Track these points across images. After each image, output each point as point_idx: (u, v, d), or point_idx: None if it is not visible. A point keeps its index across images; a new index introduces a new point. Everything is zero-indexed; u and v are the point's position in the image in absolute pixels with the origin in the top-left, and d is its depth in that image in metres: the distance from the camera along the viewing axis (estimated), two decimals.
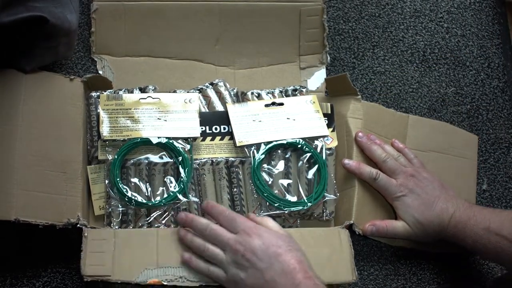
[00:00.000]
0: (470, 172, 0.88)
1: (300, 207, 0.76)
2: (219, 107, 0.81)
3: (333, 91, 0.86)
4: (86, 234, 0.69)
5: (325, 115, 0.82)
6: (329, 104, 0.82)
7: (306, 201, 0.76)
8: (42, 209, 0.70)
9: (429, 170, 0.80)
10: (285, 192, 0.77)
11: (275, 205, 0.76)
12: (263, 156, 0.77)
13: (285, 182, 0.78)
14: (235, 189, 0.77)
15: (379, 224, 0.76)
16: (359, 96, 0.82)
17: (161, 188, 0.76)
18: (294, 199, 0.77)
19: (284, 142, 0.78)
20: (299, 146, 0.78)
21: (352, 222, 0.76)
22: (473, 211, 0.75)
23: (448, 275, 0.84)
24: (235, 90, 0.83)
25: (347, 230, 0.75)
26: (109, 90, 0.80)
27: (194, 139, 0.77)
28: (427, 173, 0.79)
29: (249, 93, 0.82)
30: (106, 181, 0.74)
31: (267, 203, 0.76)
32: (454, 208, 0.75)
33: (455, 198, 0.77)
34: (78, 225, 0.70)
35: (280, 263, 0.63)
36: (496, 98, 0.94)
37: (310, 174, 0.78)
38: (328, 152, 0.80)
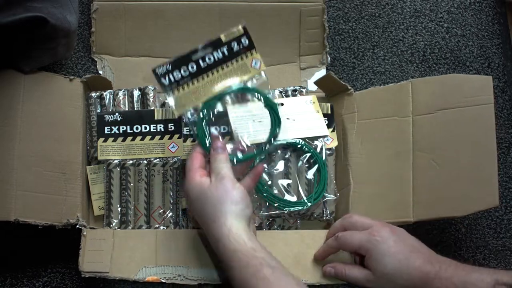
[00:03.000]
0: (487, 119, 0.75)
1: (300, 207, 0.76)
2: (219, 108, 0.80)
3: (328, 91, 0.86)
4: (85, 233, 0.69)
5: (325, 115, 0.82)
6: (329, 104, 0.82)
7: (306, 201, 0.76)
8: (41, 209, 0.70)
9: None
10: (285, 192, 0.77)
11: (275, 205, 0.76)
12: (263, 156, 0.76)
13: (284, 182, 0.78)
14: None
15: (338, 268, 0.69)
16: (351, 90, 0.82)
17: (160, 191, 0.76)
18: (293, 199, 0.77)
19: (284, 142, 0.78)
20: (299, 146, 0.78)
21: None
22: (469, 267, 0.65)
23: None
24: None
25: None
26: (109, 90, 0.80)
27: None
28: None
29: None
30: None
31: (267, 203, 0.76)
32: (441, 261, 0.65)
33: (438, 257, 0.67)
34: (78, 226, 0.70)
35: None
36: (496, 98, 0.93)
37: (310, 174, 0.78)
38: (328, 152, 0.80)
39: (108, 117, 0.77)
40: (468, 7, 0.97)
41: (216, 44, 0.72)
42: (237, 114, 0.74)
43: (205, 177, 0.64)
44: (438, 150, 0.75)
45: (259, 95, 0.74)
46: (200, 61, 0.71)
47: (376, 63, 0.93)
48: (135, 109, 0.79)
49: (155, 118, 0.77)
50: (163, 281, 0.67)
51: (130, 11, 0.85)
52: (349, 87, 0.82)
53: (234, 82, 0.72)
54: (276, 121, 0.74)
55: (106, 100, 0.79)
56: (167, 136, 0.77)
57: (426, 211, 0.74)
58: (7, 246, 0.78)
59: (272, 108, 0.74)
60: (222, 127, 0.74)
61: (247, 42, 0.73)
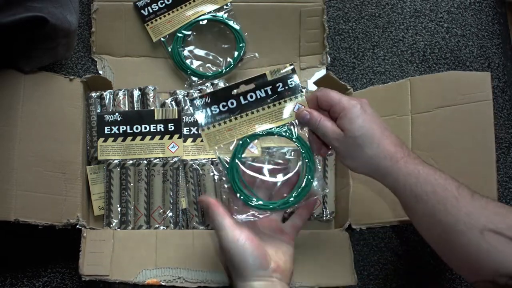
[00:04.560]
0: (486, 116, 0.75)
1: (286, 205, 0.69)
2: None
3: None
4: (85, 234, 0.69)
5: None
6: None
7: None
8: (41, 209, 0.70)
9: None
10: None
11: (252, 204, 0.67)
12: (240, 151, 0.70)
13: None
14: None
15: (313, 115, 0.65)
16: (350, 90, 0.82)
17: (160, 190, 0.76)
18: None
19: (260, 133, 0.69)
20: (275, 133, 0.70)
21: (349, 222, 0.76)
22: (436, 168, 0.62)
23: (448, 276, 0.84)
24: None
25: (347, 233, 0.75)
26: (109, 90, 0.80)
27: None
28: None
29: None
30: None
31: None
32: (410, 151, 0.64)
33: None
34: (78, 226, 0.70)
35: None
36: (496, 98, 0.93)
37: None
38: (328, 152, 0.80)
39: (108, 117, 0.77)
40: (468, 7, 0.97)
41: (260, 81, 0.68)
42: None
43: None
44: (437, 148, 0.75)
45: (300, 146, 0.69)
46: (241, 98, 0.68)
47: (376, 63, 0.93)
48: (135, 109, 0.79)
49: (155, 118, 0.77)
50: (163, 284, 0.67)
51: (130, 11, 0.85)
52: (349, 87, 0.82)
53: (274, 124, 0.69)
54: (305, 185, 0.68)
55: (106, 100, 0.79)
56: (167, 136, 0.77)
57: None
58: (7, 246, 0.78)
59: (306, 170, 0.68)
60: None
61: (293, 83, 0.69)
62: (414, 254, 0.84)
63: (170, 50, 0.85)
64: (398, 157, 0.61)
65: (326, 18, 0.88)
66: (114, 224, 0.75)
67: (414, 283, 0.83)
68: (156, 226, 0.75)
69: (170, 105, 0.80)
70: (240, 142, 0.68)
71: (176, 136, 0.77)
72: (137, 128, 0.77)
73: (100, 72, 0.85)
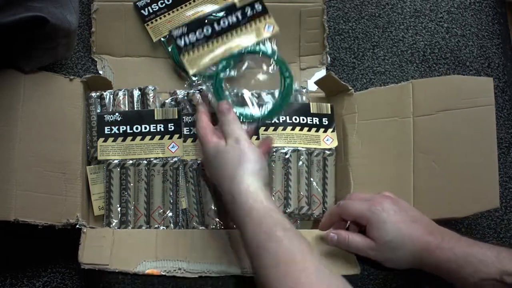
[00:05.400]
0: (488, 121, 0.76)
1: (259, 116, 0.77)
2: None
3: (328, 91, 0.86)
4: (85, 230, 0.69)
5: (325, 115, 0.82)
6: (329, 104, 0.82)
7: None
8: (41, 209, 0.70)
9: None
10: (250, 104, 0.78)
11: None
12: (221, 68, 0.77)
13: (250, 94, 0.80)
14: None
15: (341, 235, 0.68)
16: (351, 90, 0.82)
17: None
18: (255, 111, 0.77)
19: (238, 52, 0.79)
20: (251, 51, 0.78)
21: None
22: (472, 240, 0.64)
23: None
24: (235, 91, 0.83)
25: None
26: (109, 90, 0.80)
27: None
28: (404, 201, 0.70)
29: (249, 94, 0.82)
30: None
31: None
32: (443, 232, 0.66)
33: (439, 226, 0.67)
34: (78, 226, 0.70)
35: None
36: (496, 98, 0.93)
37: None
38: (328, 152, 0.80)
39: (108, 117, 0.77)
40: (468, 7, 0.97)
41: (230, 8, 0.79)
42: (250, 79, 0.79)
43: (222, 140, 0.67)
44: (439, 151, 0.75)
45: (275, 60, 0.78)
46: (215, 25, 0.78)
47: (376, 63, 0.93)
48: (135, 109, 0.79)
49: (155, 118, 0.77)
50: (163, 274, 0.67)
51: (130, 10, 0.85)
52: (350, 87, 0.82)
53: (249, 43, 0.78)
54: (286, 90, 0.78)
55: (106, 100, 0.79)
56: (167, 136, 0.77)
57: (426, 212, 0.74)
58: (7, 246, 0.78)
59: (284, 77, 0.77)
60: (232, 91, 0.77)
61: (260, 7, 0.79)
62: None
63: (170, 50, 0.85)
64: (432, 246, 0.63)
65: (326, 18, 0.88)
66: (114, 224, 0.75)
67: (414, 283, 0.83)
68: (156, 226, 0.75)
69: (170, 105, 0.80)
70: (221, 64, 0.77)
71: (176, 136, 0.77)
72: (137, 128, 0.77)
73: (100, 72, 0.85)
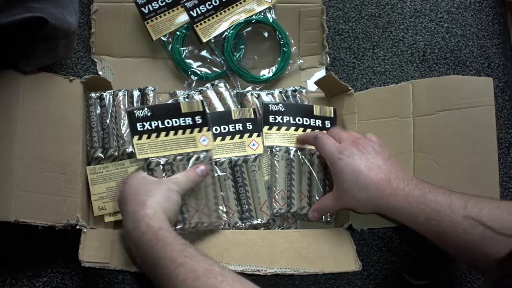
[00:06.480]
0: (488, 121, 0.76)
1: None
2: (219, 108, 0.81)
3: (328, 91, 0.86)
4: (85, 230, 0.69)
5: (328, 118, 0.82)
6: (332, 108, 0.82)
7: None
8: (41, 210, 0.70)
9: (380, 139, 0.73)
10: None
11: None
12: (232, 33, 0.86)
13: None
14: (240, 188, 0.77)
15: (315, 207, 0.76)
16: (351, 90, 0.82)
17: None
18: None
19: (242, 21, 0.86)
20: (255, 18, 0.86)
21: (350, 223, 0.76)
22: (426, 186, 0.65)
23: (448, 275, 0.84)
24: (235, 91, 0.84)
25: (347, 231, 0.75)
26: (108, 91, 0.80)
27: None
28: (377, 139, 0.72)
29: (248, 94, 0.82)
30: None
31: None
32: (401, 180, 0.66)
33: (403, 172, 0.68)
34: (78, 227, 0.70)
35: None
36: (496, 98, 0.93)
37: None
38: None
39: (138, 113, 0.73)
40: (468, 7, 0.97)
41: None
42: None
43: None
44: (439, 151, 0.75)
45: (276, 29, 0.86)
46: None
47: (376, 63, 0.93)
48: None
49: (182, 111, 0.75)
50: None
51: (130, 11, 0.86)
52: (350, 87, 0.82)
53: (251, 12, 0.86)
54: (285, 55, 0.87)
55: (106, 101, 0.79)
56: (196, 130, 0.75)
57: None
58: (7, 246, 0.78)
59: (284, 43, 0.86)
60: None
61: None
62: (414, 254, 0.84)
63: (170, 49, 0.85)
64: (386, 193, 0.65)
65: (326, 18, 0.88)
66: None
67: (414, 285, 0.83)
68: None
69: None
70: (229, 32, 0.86)
71: (205, 128, 0.75)
72: (168, 123, 0.74)
73: (100, 72, 0.85)
